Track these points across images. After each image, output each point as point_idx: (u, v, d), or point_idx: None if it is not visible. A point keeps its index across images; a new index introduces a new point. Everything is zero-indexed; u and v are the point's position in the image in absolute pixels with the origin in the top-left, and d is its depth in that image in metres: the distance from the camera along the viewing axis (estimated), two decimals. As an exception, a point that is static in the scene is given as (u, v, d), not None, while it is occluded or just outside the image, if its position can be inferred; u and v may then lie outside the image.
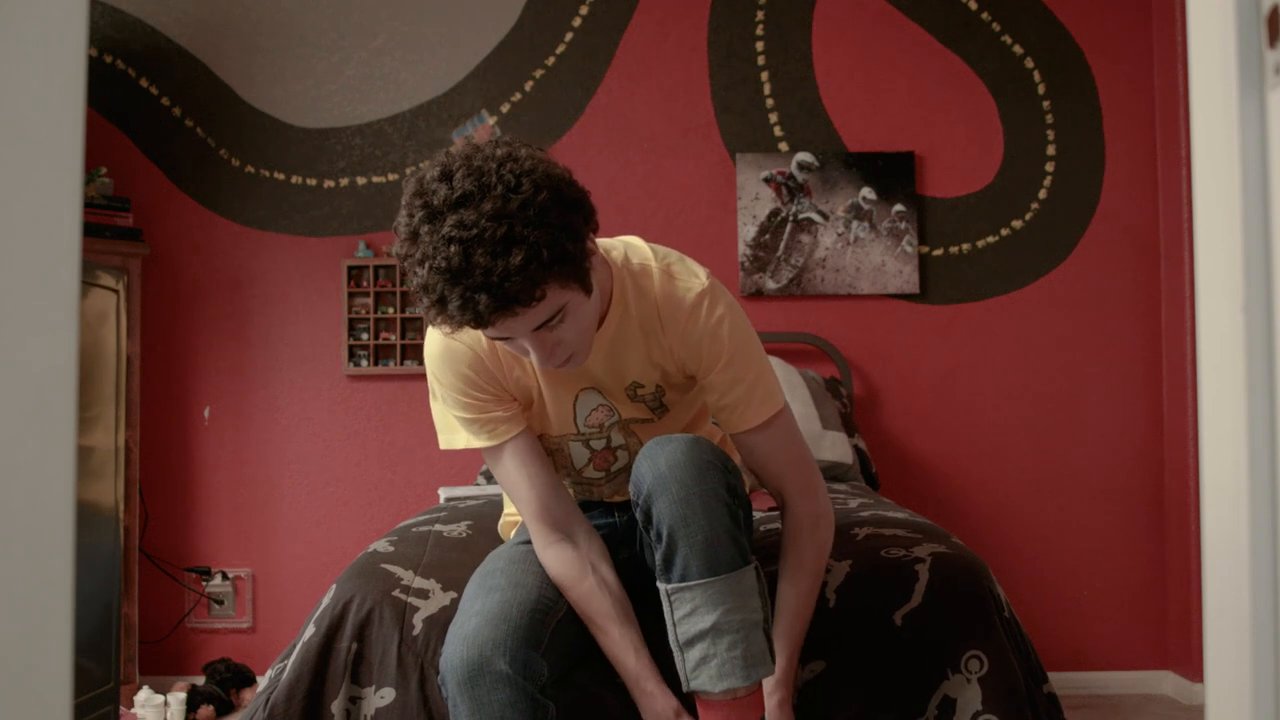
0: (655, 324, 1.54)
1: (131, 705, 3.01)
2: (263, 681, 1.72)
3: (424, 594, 1.72)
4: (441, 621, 1.66)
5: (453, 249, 1.30)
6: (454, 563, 1.83)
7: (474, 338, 1.54)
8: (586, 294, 1.42)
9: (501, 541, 1.90)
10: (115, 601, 2.83)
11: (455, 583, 1.74)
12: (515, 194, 1.32)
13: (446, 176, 1.35)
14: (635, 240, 1.61)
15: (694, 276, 1.54)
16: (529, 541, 1.69)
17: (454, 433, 1.63)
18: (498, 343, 1.51)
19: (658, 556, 1.45)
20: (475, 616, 1.47)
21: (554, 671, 1.49)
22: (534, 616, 1.48)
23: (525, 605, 1.49)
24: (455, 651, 1.43)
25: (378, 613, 1.68)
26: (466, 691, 1.40)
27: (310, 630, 1.69)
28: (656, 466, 1.45)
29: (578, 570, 1.55)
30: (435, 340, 1.56)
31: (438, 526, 2.05)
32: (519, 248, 1.30)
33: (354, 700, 1.64)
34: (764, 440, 1.58)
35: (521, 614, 1.47)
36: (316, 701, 1.63)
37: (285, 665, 1.68)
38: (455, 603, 1.69)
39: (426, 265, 1.33)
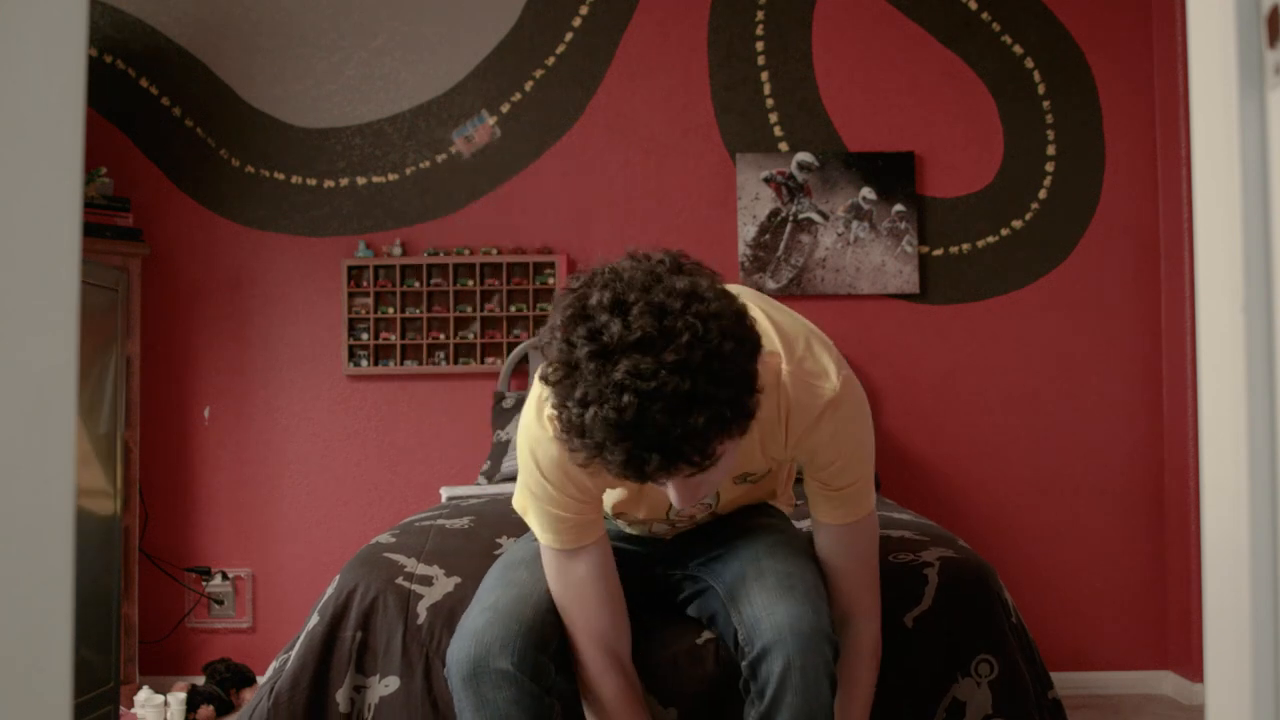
0: (777, 425, 1.42)
1: (131, 705, 3.01)
2: (267, 672, 1.72)
3: (428, 580, 1.72)
4: (446, 609, 1.66)
5: (626, 399, 1.13)
6: (457, 550, 1.83)
7: None
8: (741, 438, 1.28)
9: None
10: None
11: (459, 568, 1.74)
12: (701, 344, 1.15)
13: (620, 308, 1.17)
14: (757, 312, 1.39)
15: (825, 377, 1.41)
16: None
17: (532, 518, 1.49)
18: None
19: (754, 712, 1.43)
20: (487, 612, 1.45)
21: (564, 672, 1.49)
22: (548, 616, 1.47)
23: (541, 604, 1.47)
24: (461, 646, 1.42)
25: (382, 601, 1.68)
26: (470, 687, 1.40)
27: (314, 619, 1.69)
28: (776, 621, 1.42)
29: (634, 707, 1.49)
30: (544, 439, 1.40)
31: (440, 521, 2.06)
32: (702, 408, 1.16)
33: (358, 689, 1.65)
34: (845, 536, 1.52)
35: (536, 613, 1.45)
36: (321, 690, 1.63)
37: (289, 655, 1.68)
38: (459, 588, 1.69)
39: (590, 410, 1.16)
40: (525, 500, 1.47)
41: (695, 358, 1.15)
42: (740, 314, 1.23)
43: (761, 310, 1.43)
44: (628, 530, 1.68)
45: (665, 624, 1.64)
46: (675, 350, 1.14)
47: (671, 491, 1.30)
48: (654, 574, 1.67)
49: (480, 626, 1.43)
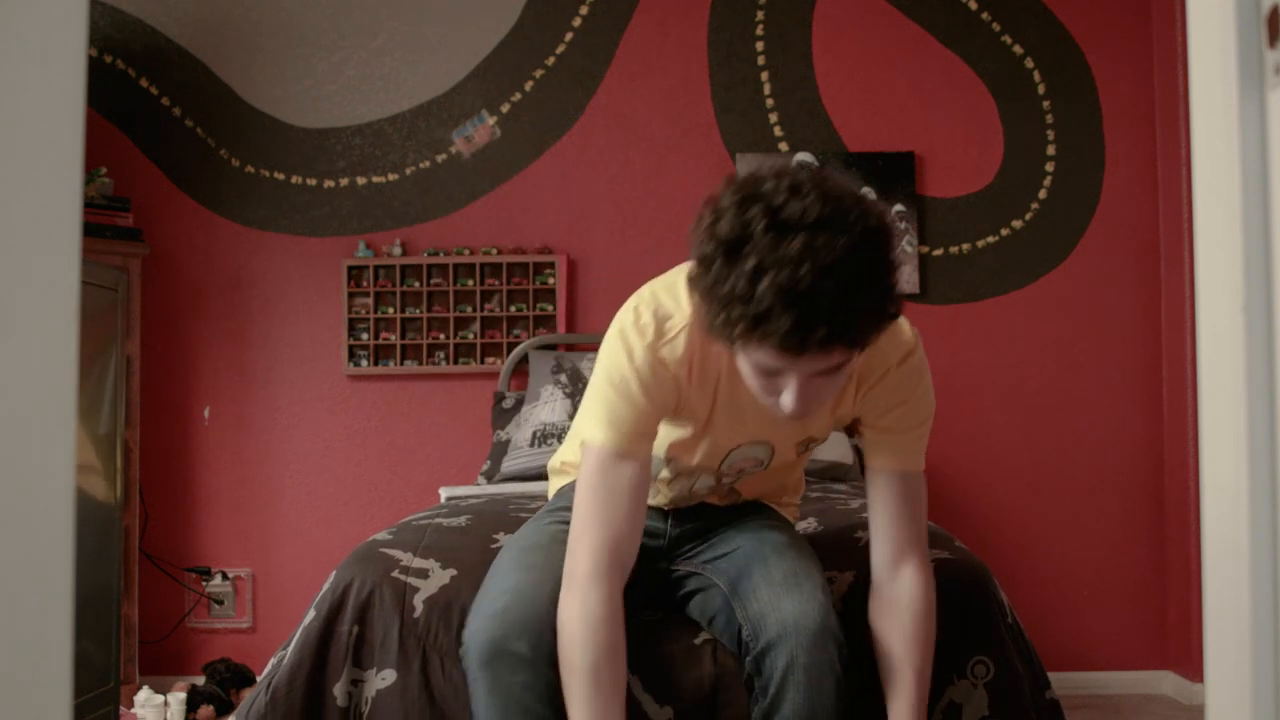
0: (850, 379, 1.46)
1: (131, 705, 3.01)
2: (265, 668, 1.72)
3: (423, 573, 1.72)
4: (442, 601, 1.67)
5: (804, 269, 1.18)
6: (453, 545, 1.84)
7: (672, 354, 1.44)
8: (862, 351, 1.34)
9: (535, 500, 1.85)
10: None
11: (455, 561, 1.74)
12: (873, 236, 1.24)
13: (797, 192, 1.23)
14: None
15: (902, 332, 1.50)
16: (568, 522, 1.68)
17: (596, 415, 1.48)
18: (686, 360, 1.43)
19: (757, 709, 1.43)
20: (505, 595, 1.45)
21: None
22: (549, 606, 1.45)
23: (557, 590, 1.46)
24: (480, 628, 1.42)
25: (378, 595, 1.68)
26: (487, 670, 1.40)
27: (311, 614, 1.70)
28: (782, 616, 1.42)
29: (613, 622, 1.40)
30: (644, 352, 1.44)
31: (438, 520, 2.06)
32: (870, 289, 1.22)
33: (355, 683, 1.65)
34: (900, 486, 1.54)
35: (553, 599, 1.44)
36: (318, 685, 1.64)
37: (287, 651, 1.68)
38: (455, 581, 1.70)
39: (764, 277, 1.19)
40: (593, 401, 1.47)
41: (868, 245, 1.23)
42: (898, 232, 1.34)
43: None
44: (661, 496, 1.67)
45: (664, 623, 1.64)
46: (851, 234, 1.21)
47: (788, 394, 1.31)
48: (656, 570, 1.68)
49: (499, 609, 1.43)
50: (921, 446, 1.55)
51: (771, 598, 1.45)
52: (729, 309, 1.23)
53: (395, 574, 1.71)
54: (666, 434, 1.55)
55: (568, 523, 1.54)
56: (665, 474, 1.63)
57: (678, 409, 1.50)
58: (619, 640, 1.39)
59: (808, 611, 1.41)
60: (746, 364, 1.34)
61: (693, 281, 1.31)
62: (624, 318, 1.47)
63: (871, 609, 1.53)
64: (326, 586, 1.73)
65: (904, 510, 1.54)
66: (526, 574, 1.50)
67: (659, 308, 1.45)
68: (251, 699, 1.65)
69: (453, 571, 1.72)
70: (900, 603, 1.50)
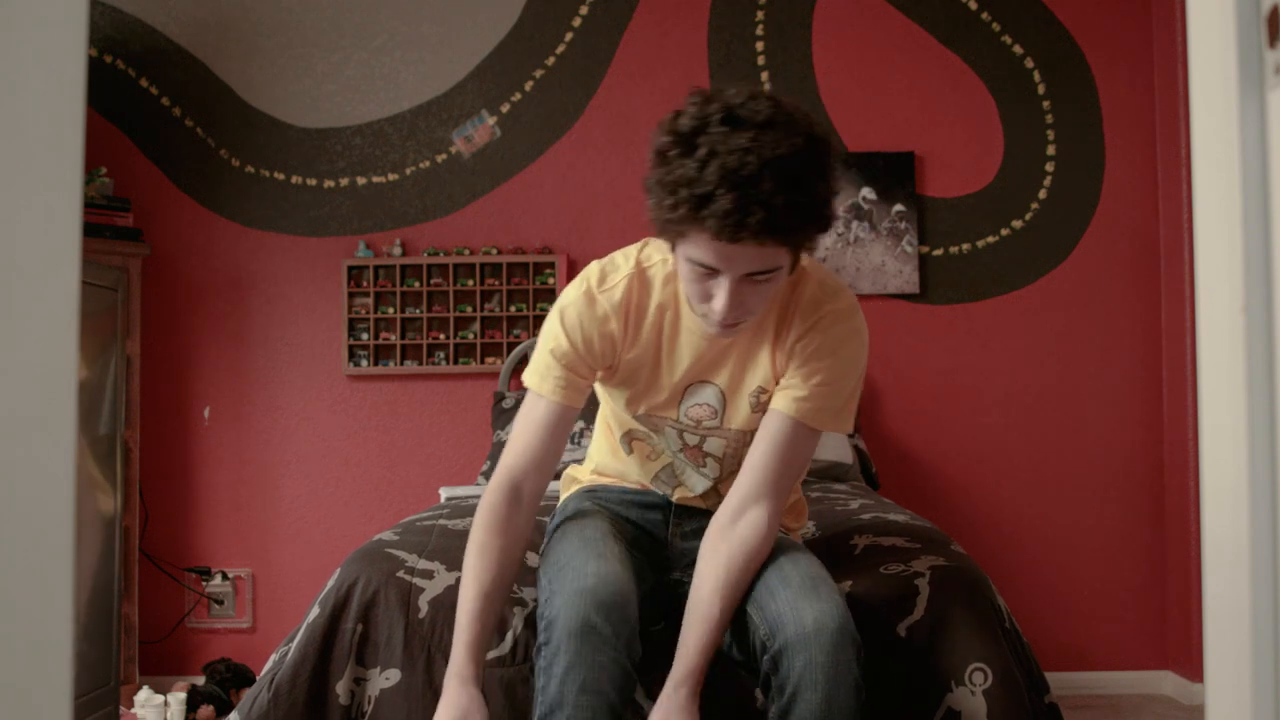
0: (785, 319, 1.55)
1: (131, 705, 3.01)
2: (267, 664, 1.72)
3: (428, 575, 1.72)
4: (447, 603, 1.66)
5: (750, 157, 1.30)
6: (459, 548, 1.84)
7: (610, 299, 1.56)
8: (791, 269, 1.45)
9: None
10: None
11: (460, 564, 1.74)
12: (815, 144, 1.36)
13: (755, 97, 1.36)
14: None
15: (843, 291, 1.57)
16: (607, 517, 1.70)
17: (534, 366, 1.62)
18: (624, 306, 1.55)
19: (774, 708, 1.43)
20: (593, 577, 1.46)
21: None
22: (633, 599, 1.48)
23: (631, 587, 1.48)
24: (569, 602, 1.43)
25: (383, 594, 1.68)
26: (574, 643, 1.40)
27: (315, 611, 1.70)
28: (801, 618, 1.43)
29: (500, 523, 1.55)
30: (579, 301, 1.57)
31: (442, 521, 2.06)
32: (806, 189, 1.33)
33: (359, 681, 1.65)
34: (797, 435, 1.55)
35: (629, 594, 1.47)
36: (321, 682, 1.63)
37: (290, 647, 1.68)
38: (460, 583, 1.70)
39: (713, 162, 1.31)
40: (535, 351, 1.61)
41: (811, 151, 1.35)
42: (837, 155, 1.40)
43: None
44: (639, 482, 1.71)
45: (662, 630, 1.64)
46: (795, 138, 1.33)
47: (720, 296, 1.40)
48: (661, 582, 1.68)
49: (587, 588, 1.44)
50: (827, 406, 1.54)
51: (790, 599, 1.45)
52: (676, 193, 1.34)
53: (400, 574, 1.71)
54: (617, 393, 1.65)
55: (610, 517, 1.68)
56: (625, 449, 1.71)
57: (615, 361, 1.60)
58: (490, 536, 1.55)
59: (828, 612, 1.42)
60: (685, 266, 1.44)
61: (648, 179, 1.42)
62: (574, 280, 1.62)
63: (707, 536, 1.56)
64: (331, 584, 1.73)
65: (778, 455, 1.54)
66: (604, 561, 1.50)
67: (609, 263, 1.62)
68: (254, 695, 1.65)
69: (458, 574, 1.72)
70: (734, 543, 1.52)
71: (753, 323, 1.52)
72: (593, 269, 1.60)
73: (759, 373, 1.58)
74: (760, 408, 1.60)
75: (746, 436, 1.63)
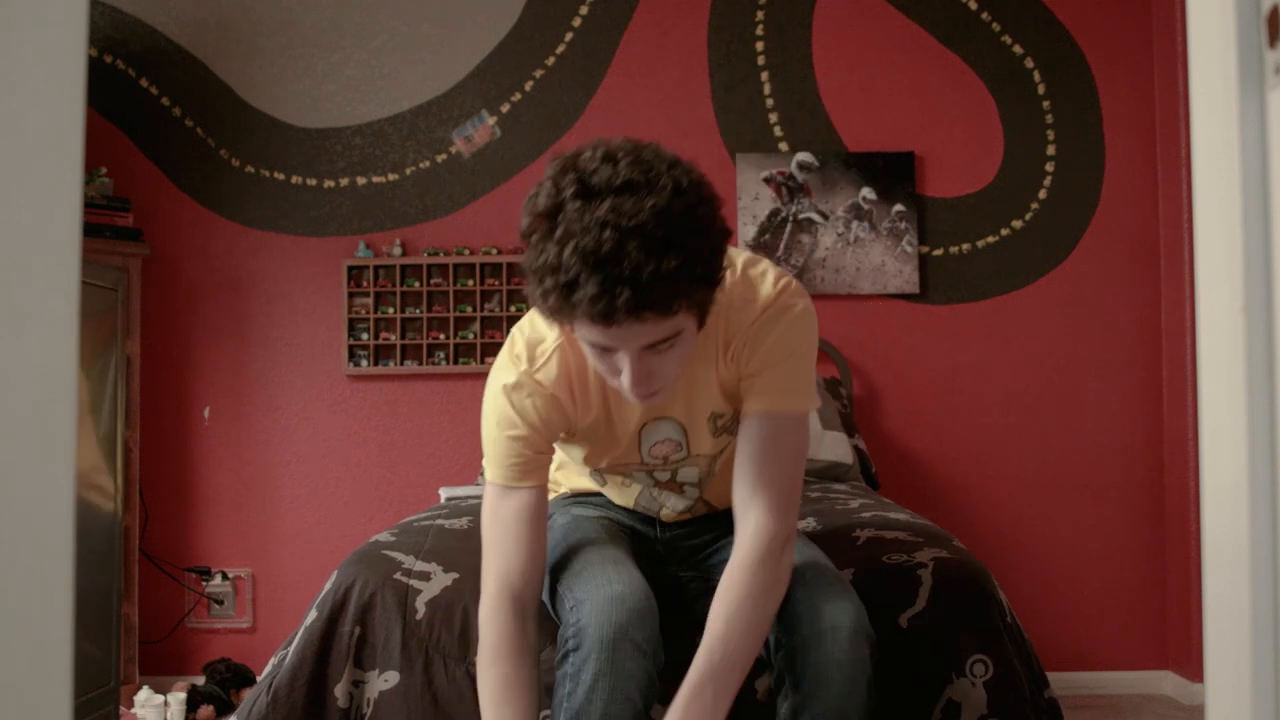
0: (720, 331, 1.45)
1: (131, 705, 3.01)
2: (266, 668, 1.72)
3: (425, 576, 1.72)
4: (444, 604, 1.67)
5: (606, 233, 1.19)
6: (456, 548, 1.84)
7: (548, 376, 1.46)
8: (700, 325, 1.34)
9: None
10: None
11: (456, 564, 1.75)
12: (681, 197, 1.24)
13: (610, 159, 1.25)
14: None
15: (761, 288, 1.45)
16: (608, 518, 1.68)
17: (487, 455, 1.53)
18: (564, 379, 1.45)
19: (786, 705, 1.43)
20: (619, 584, 1.42)
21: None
22: (655, 606, 1.45)
23: (652, 593, 1.46)
24: (600, 609, 1.39)
25: (379, 596, 1.68)
26: (607, 651, 1.37)
27: (312, 615, 1.70)
28: (816, 615, 1.41)
29: (518, 649, 1.43)
30: (512, 370, 1.48)
31: (439, 521, 2.06)
32: (676, 253, 1.21)
33: (357, 684, 1.65)
34: (776, 430, 1.45)
35: (653, 601, 1.44)
36: (319, 685, 1.64)
37: (288, 651, 1.68)
38: (457, 584, 1.70)
39: (570, 244, 1.21)
40: (484, 439, 1.52)
41: (676, 207, 1.22)
42: (718, 198, 1.31)
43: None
44: (623, 501, 1.69)
45: (665, 625, 1.64)
46: (658, 197, 1.21)
47: (626, 373, 1.31)
48: (665, 575, 1.68)
49: (616, 595, 1.41)
50: (788, 384, 1.45)
51: (805, 596, 1.44)
52: (544, 280, 1.25)
53: (397, 576, 1.71)
54: (575, 452, 1.58)
55: (608, 518, 1.65)
56: (598, 480, 1.65)
57: (570, 428, 1.51)
58: (514, 671, 1.41)
59: (845, 610, 1.41)
60: (583, 345, 1.36)
61: (523, 263, 1.32)
62: (502, 352, 1.51)
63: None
64: (328, 587, 1.73)
65: (762, 453, 1.44)
66: (620, 567, 1.48)
67: (531, 334, 1.49)
68: (253, 699, 1.65)
69: (455, 575, 1.72)
70: (736, 551, 1.43)
71: (676, 380, 1.41)
72: (518, 345, 1.48)
73: (710, 399, 1.51)
74: (722, 430, 1.55)
75: (719, 455, 1.60)
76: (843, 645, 1.39)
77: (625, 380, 1.33)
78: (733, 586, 1.40)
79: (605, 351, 1.32)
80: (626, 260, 1.19)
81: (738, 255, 1.48)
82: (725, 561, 1.58)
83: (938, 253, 3.45)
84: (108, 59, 3.50)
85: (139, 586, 3.29)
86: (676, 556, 1.70)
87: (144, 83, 3.50)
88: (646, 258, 1.19)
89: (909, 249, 3.42)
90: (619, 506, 1.73)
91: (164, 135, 3.50)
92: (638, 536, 1.71)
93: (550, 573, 1.58)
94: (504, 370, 1.49)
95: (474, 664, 1.61)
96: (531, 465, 1.48)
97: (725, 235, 1.31)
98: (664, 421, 1.53)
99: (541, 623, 1.51)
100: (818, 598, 1.43)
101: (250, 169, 3.49)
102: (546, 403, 1.47)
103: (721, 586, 1.42)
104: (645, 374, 1.32)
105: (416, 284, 3.43)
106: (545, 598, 1.58)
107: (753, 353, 1.45)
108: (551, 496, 1.81)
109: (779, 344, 1.44)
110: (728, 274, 1.38)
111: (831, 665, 1.38)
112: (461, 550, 1.81)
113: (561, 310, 1.26)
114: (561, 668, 1.41)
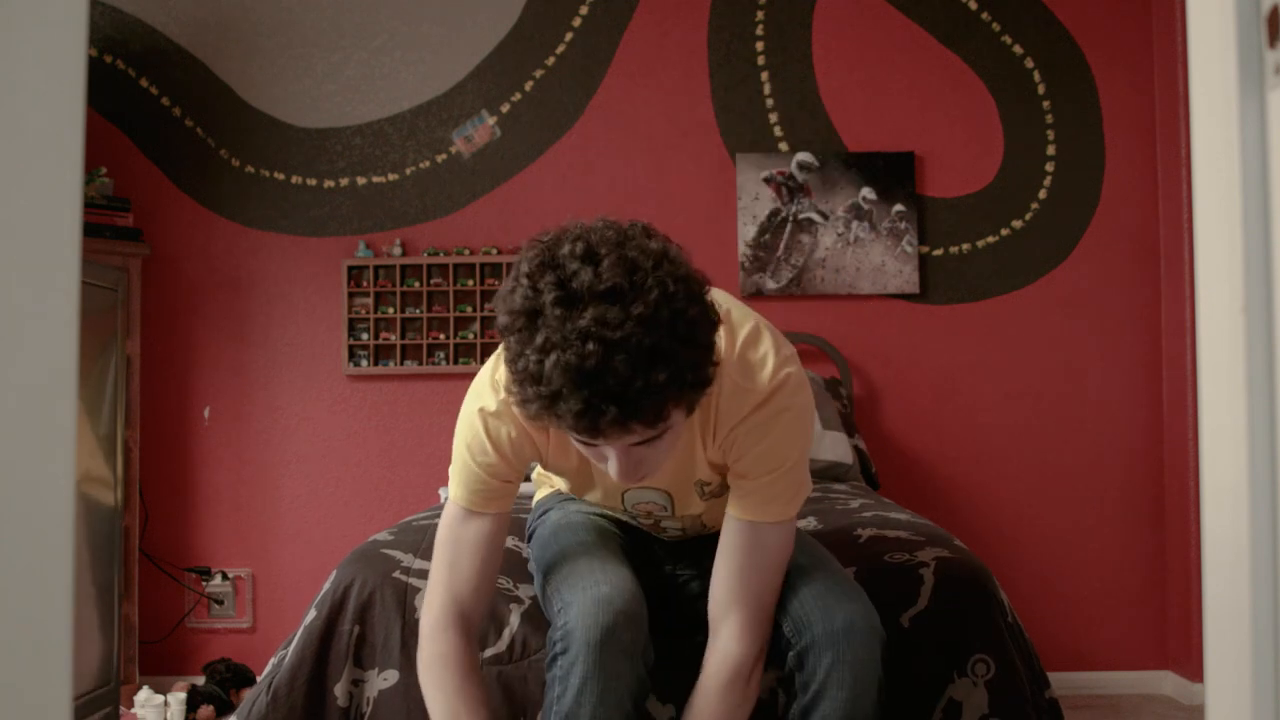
0: (710, 413, 1.40)
1: (131, 705, 3.01)
2: (266, 668, 1.72)
3: (424, 574, 1.72)
4: None
5: (590, 347, 1.12)
6: None
7: (504, 431, 1.42)
8: (688, 414, 1.29)
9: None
10: None
11: None
12: (669, 302, 1.16)
13: (591, 258, 1.17)
14: (716, 294, 1.37)
15: (764, 368, 1.38)
16: (599, 514, 1.67)
17: (454, 473, 1.50)
18: (543, 426, 1.37)
19: (796, 705, 1.43)
20: (606, 585, 1.42)
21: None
22: (644, 605, 1.45)
23: (641, 594, 1.45)
24: (588, 611, 1.38)
25: (379, 595, 1.68)
26: (594, 654, 1.36)
27: (312, 614, 1.70)
28: (828, 615, 1.40)
29: (468, 664, 1.42)
30: (490, 397, 1.42)
31: (439, 521, 2.06)
32: (664, 365, 1.15)
33: (356, 683, 1.65)
34: (760, 539, 1.42)
35: (642, 601, 1.44)
36: (319, 684, 1.64)
37: (288, 651, 1.69)
38: None
39: (552, 355, 1.14)
40: (453, 456, 1.48)
41: (663, 314, 1.15)
42: (704, 285, 1.24)
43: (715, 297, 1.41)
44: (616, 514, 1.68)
45: (664, 622, 1.64)
46: (644, 304, 1.14)
47: (612, 464, 1.28)
48: (663, 572, 1.68)
49: (606, 595, 1.40)
50: (776, 494, 1.41)
51: (815, 596, 1.44)
52: (524, 387, 1.19)
53: (396, 574, 1.72)
54: (560, 481, 1.56)
55: (596, 514, 1.63)
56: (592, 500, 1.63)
57: (546, 460, 1.48)
58: (466, 682, 1.40)
59: (858, 611, 1.41)
60: (568, 433, 1.29)
61: (504, 355, 1.25)
62: (483, 372, 1.45)
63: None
64: (327, 586, 1.73)
65: (742, 563, 1.42)
66: (609, 566, 1.48)
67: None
68: (252, 698, 1.65)
69: None
70: (706, 667, 1.43)
71: (664, 463, 1.36)
72: (500, 371, 1.36)
73: (697, 469, 1.47)
74: (710, 494, 1.53)
75: (707, 512, 1.59)
76: (857, 646, 1.39)
77: (612, 469, 1.29)
78: (701, 712, 1.41)
79: (590, 444, 1.28)
80: (612, 375, 1.13)
81: (740, 325, 1.41)
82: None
83: (938, 253, 3.45)
84: (108, 59, 3.49)
85: (139, 586, 3.29)
86: (674, 554, 1.69)
87: (144, 83, 3.50)
88: (633, 373, 1.13)
89: (909, 249, 3.42)
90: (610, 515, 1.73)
91: (164, 135, 3.50)
92: (631, 531, 1.70)
93: (541, 573, 1.57)
94: (484, 394, 1.43)
95: None
96: (496, 494, 1.45)
97: (715, 329, 1.24)
98: (648, 490, 1.53)
99: (477, 647, 1.51)
100: (831, 599, 1.43)
101: (250, 169, 3.49)
102: (521, 435, 1.42)
103: (689, 709, 1.42)
104: (633, 466, 1.28)
105: (416, 284, 3.43)
106: (537, 595, 1.58)
107: (742, 452, 1.40)
108: (543, 493, 1.81)
109: (770, 454, 1.39)
110: (723, 347, 1.33)
111: (845, 666, 1.38)
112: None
113: (542, 418, 1.21)
114: (551, 670, 1.41)
